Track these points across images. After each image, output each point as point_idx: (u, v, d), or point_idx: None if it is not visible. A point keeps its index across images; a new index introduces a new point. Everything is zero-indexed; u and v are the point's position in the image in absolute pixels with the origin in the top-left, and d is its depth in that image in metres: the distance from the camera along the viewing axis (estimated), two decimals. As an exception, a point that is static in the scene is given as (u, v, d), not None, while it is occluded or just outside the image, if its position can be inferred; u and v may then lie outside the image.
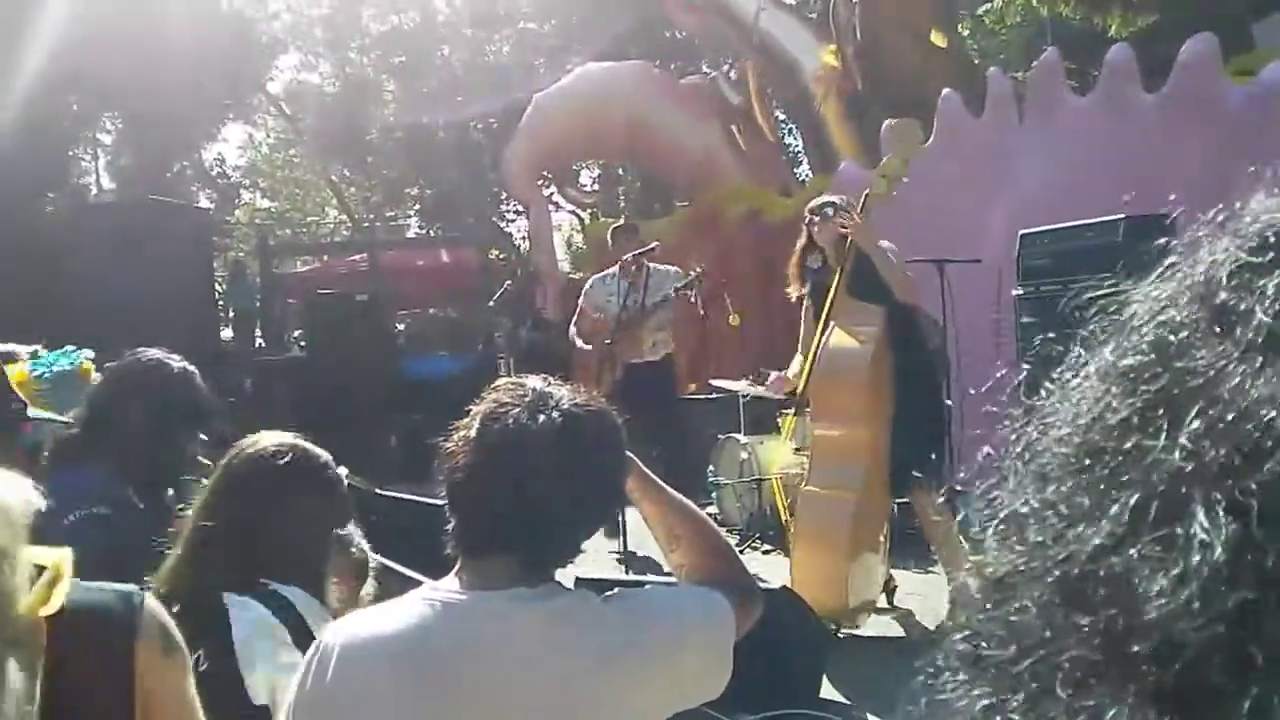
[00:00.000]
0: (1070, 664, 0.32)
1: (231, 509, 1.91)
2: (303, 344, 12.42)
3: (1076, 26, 13.23)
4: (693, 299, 6.29)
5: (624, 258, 6.32)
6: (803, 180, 13.38)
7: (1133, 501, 0.31)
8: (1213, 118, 6.48)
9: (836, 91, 10.81)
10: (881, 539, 4.77)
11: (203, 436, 2.60)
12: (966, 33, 15.55)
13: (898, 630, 4.59)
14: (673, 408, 6.53)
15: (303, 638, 1.71)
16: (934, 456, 4.66)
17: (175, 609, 1.89)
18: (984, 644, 0.36)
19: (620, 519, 5.37)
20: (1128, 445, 0.33)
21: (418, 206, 24.50)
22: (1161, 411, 0.32)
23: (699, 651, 1.55)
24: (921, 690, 0.39)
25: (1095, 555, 0.32)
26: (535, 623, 1.43)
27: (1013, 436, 0.40)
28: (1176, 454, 0.31)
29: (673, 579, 1.80)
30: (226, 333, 13.79)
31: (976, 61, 13.25)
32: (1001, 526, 0.38)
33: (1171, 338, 0.34)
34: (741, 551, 5.76)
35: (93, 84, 14.38)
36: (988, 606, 0.36)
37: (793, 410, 5.10)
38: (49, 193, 13.05)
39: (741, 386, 7.08)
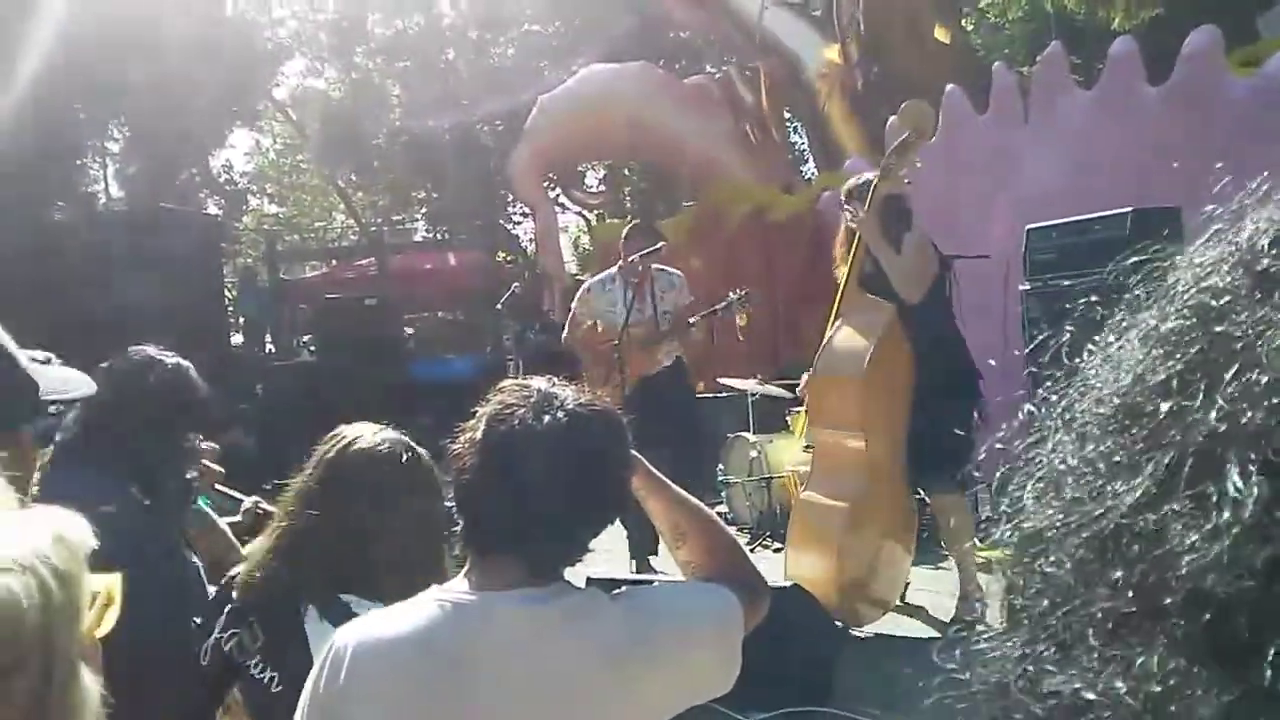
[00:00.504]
0: (1103, 615, 0.33)
1: (336, 509, 1.81)
2: (312, 349, 12.47)
3: (1081, 20, 13.20)
4: (738, 320, 5.88)
5: (626, 260, 5.89)
6: (808, 178, 13.37)
7: (1168, 460, 0.33)
8: (1217, 110, 6.47)
9: (840, 88, 10.81)
10: (907, 539, 4.71)
11: (201, 438, 2.60)
12: (970, 27, 15.52)
13: (909, 627, 4.59)
14: (692, 410, 6.09)
15: None
16: (957, 455, 4.35)
17: (251, 619, 1.86)
18: (1018, 597, 0.38)
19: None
20: (1166, 406, 0.34)
21: (424, 210, 24.55)
22: (1200, 374, 0.33)
23: (707, 647, 1.56)
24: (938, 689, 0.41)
25: (1130, 511, 0.33)
26: (544, 622, 1.44)
27: (1053, 397, 0.40)
28: (1213, 415, 0.32)
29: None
30: (236, 339, 13.84)
31: (980, 56, 13.22)
32: (1040, 484, 0.39)
33: (1213, 303, 0.35)
34: (752, 550, 5.76)
35: (100, 92, 14.45)
36: (1025, 560, 0.38)
37: (803, 408, 5.09)
38: (58, 201, 13.11)
39: (750, 385, 7.09)
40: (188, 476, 2.53)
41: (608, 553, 5.20)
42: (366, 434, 1.90)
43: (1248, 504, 0.29)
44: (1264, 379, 0.31)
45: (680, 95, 12.21)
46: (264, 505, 2.72)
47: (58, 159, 13.78)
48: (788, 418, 6.95)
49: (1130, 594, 0.32)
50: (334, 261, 17.55)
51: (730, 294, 5.87)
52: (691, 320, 5.83)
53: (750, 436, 6.71)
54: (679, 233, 10.48)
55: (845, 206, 4.74)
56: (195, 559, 2.45)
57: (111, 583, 0.79)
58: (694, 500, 1.74)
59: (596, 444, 1.48)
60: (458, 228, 21.03)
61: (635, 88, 11.89)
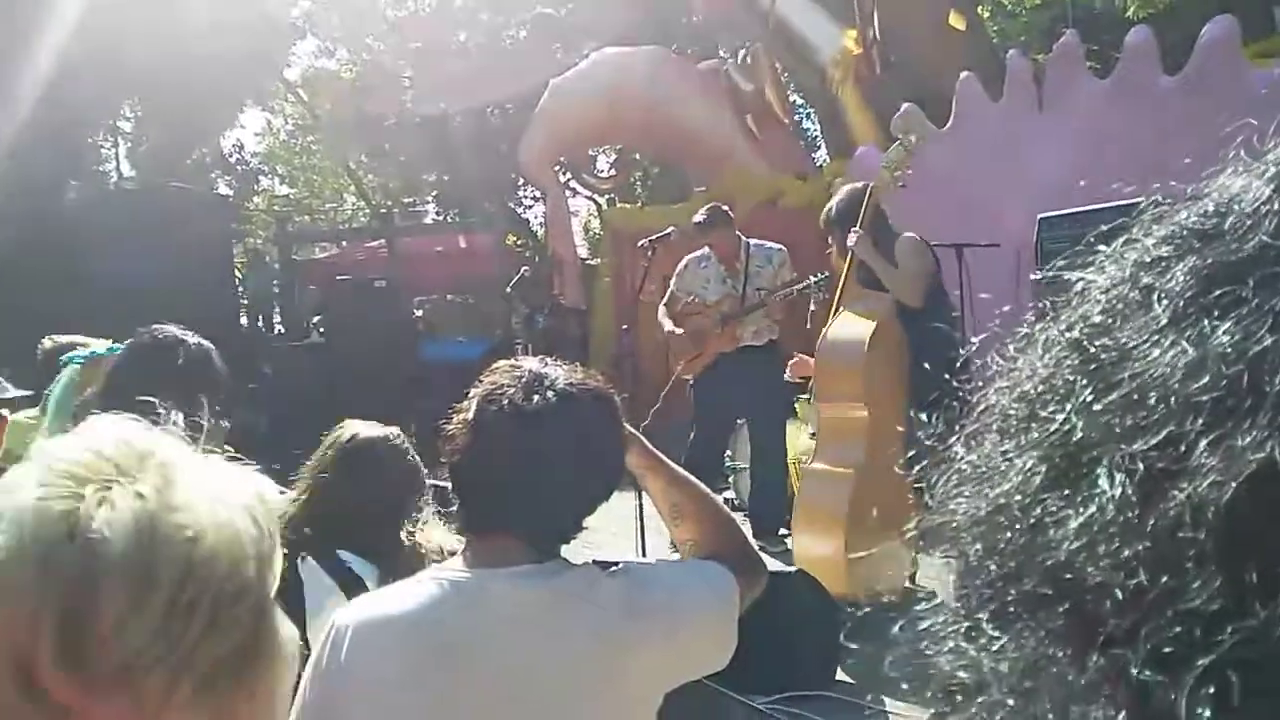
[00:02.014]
0: (992, 599, 0.37)
1: (340, 490, 2.06)
2: (322, 330, 12.49)
3: (1098, 8, 13.11)
4: (811, 305, 5.74)
5: (714, 245, 5.87)
6: (820, 165, 13.32)
7: (1048, 459, 0.36)
8: (1233, 101, 6.42)
9: (854, 75, 10.75)
10: (906, 521, 4.76)
11: (225, 421, 2.62)
12: (986, 15, 15.42)
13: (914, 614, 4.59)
14: (772, 394, 5.89)
15: None
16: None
17: None
18: (955, 581, 0.41)
19: (639, 504, 5.38)
20: (1051, 410, 0.37)
21: (435, 193, 24.54)
22: (1085, 382, 0.36)
23: (703, 623, 1.58)
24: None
25: (1014, 505, 0.36)
26: (539, 599, 1.46)
27: (975, 399, 0.44)
28: (1091, 421, 0.34)
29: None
30: (245, 319, 13.87)
31: (996, 44, 13.14)
32: (953, 477, 0.42)
33: (1100, 318, 0.37)
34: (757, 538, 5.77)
35: (113, 71, 14.45)
36: (950, 550, 0.41)
37: (808, 395, 5.12)
38: (70, 180, 13.14)
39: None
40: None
41: (613, 536, 5.20)
42: (363, 429, 2.24)
43: (1110, 504, 0.32)
44: (1134, 392, 0.33)
45: (693, 80, 12.15)
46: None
47: (69, 138, 13.81)
48: (795, 404, 6.95)
49: (1011, 581, 0.35)
50: (344, 243, 17.56)
51: (810, 276, 5.74)
52: (765, 298, 5.75)
53: (758, 423, 6.71)
54: (691, 219, 10.46)
55: (830, 229, 4.87)
56: None
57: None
58: (692, 479, 1.76)
59: (587, 422, 1.50)
60: (468, 210, 21.03)
61: (647, 72, 11.83)
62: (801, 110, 14.89)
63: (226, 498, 0.76)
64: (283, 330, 14.24)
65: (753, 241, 5.97)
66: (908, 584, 4.81)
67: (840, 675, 3.87)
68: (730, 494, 6.85)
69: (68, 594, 0.67)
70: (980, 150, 7.62)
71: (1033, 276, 5.91)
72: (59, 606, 0.67)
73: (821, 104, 12.35)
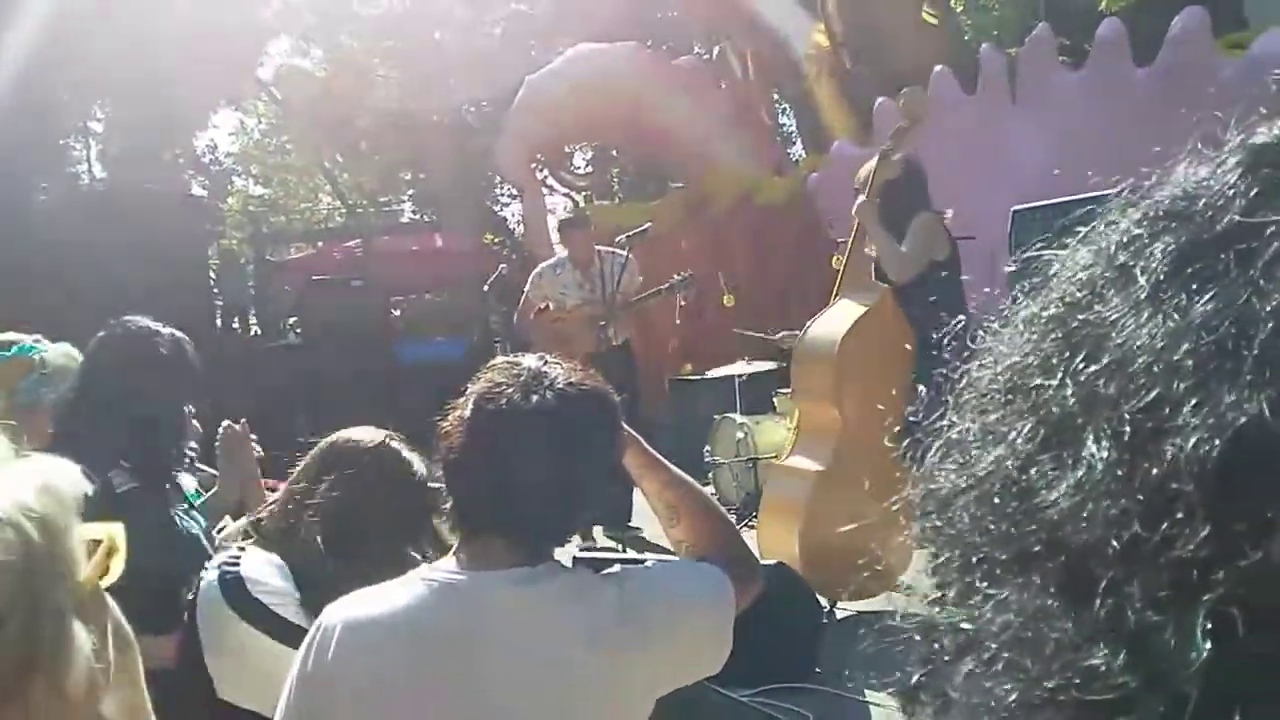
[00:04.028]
0: (984, 560, 0.39)
1: (329, 490, 1.93)
2: (298, 330, 12.40)
3: (1071, 1, 13.18)
4: (681, 301, 6.23)
5: (572, 245, 6.29)
6: (796, 160, 13.34)
7: (1038, 427, 0.38)
8: (1204, 92, 6.47)
9: (829, 70, 10.78)
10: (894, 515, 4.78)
11: (192, 409, 2.60)
12: (959, 8, 15.48)
13: (900, 605, 4.60)
14: (636, 394, 6.46)
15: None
16: None
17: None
18: (935, 549, 0.43)
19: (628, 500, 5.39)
20: (1038, 381, 0.39)
21: (411, 192, 24.40)
22: (1069, 354, 0.38)
23: (699, 627, 1.56)
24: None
25: (1007, 471, 0.39)
26: (532, 602, 1.44)
27: (957, 375, 0.46)
28: (1078, 389, 0.37)
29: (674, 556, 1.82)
30: (220, 320, 13.75)
31: (969, 38, 13.20)
32: (941, 450, 0.44)
33: (1079, 294, 0.40)
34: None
35: (83, 72, 14.29)
36: (931, 518, 0.43)
37: (790, 390, 5.14)
38: (41, 182, 12.99)
39: (738, 367, 7.10)
40: (186, 446, 2.54)
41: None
42: (360, 431, 2.03)
43: (1098, 465, 0.35)
44: (1116, 359, 0.36)
45: (670, 76, 12.13)
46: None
47: (40, 139, 13.64)
48: (774, 399, 6.97)
49: (1005, 542, 0.38)
50: (320, 243, 17.43)
51: (675, 276, 6.19)
52: (632, 300, 6.19)
53: (737, 417, 6.72)
54: (667, 214, 10.45)
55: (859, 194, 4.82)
56: (195, 529, 2.45)
57: (114, 531, 0.79)
58: (689, 479, 1.74)
59: (585, 423, 1.48)
60: (444, 209, 20.92)
61: (624, 68, 11.81)
62: (777, 106, 14.89)
63: None
64: (258, 331, 14.13)
65: (603, 248, 6.32)
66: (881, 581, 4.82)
67: (822, 668, 3.88)
68: (710, 489, 6.86)
69: None
70: (954, 145, 7.66)
71: (1006, 268, 5.95)
72: None
73: (797, 99, 12.37)
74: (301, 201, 27.23)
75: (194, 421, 2.67)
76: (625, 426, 1.60)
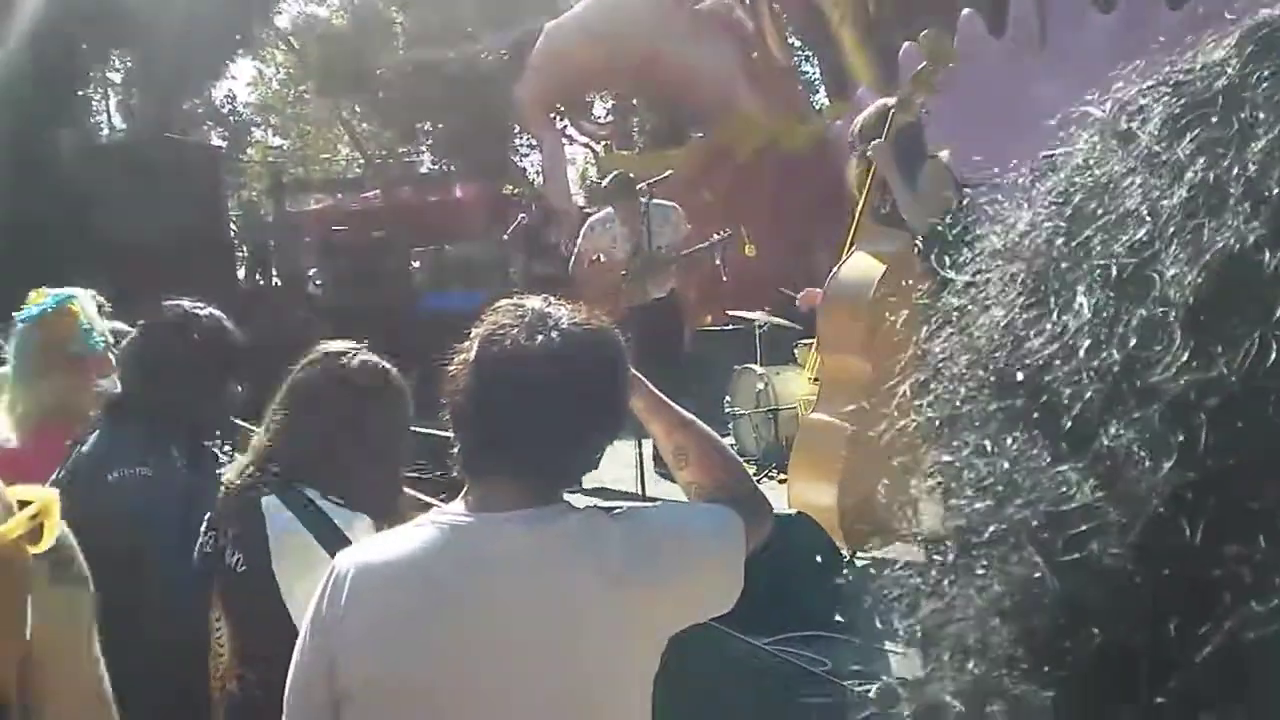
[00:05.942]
0: (978, 419, 0.40)
1: (312, 424, 1.94)
2: (318, 282, 12.43)
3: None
4: (717, 261, 6.36)
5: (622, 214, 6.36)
6: (819, 108, 13.16)
7: (1033, 281, 0.40)
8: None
9: (852, 15, 10.58)
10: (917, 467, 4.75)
11: (238, 387, 2.62)
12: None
13: (914, 556, 4.60)
14: (680, 346, 6.62)
15: (334, 542, 1.75)
16: None
17: (224, 518, 1.96)
18: (934, 432, 0.44)
19: (638, 449, 5.39)
20: (1036, 243, 0.41)
21: (430, 142, 24.29)
22: (1069, 213, 0.40)
23: (709, 567, 1.56)
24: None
25: (992, 329, 0.40)
26: (541, 543, 1.44)
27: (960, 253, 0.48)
28: (1070, 241, 0.39)
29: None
30: (240, 271, 13.80)
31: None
32: (934, 325, 0.45)
33: (1083, 158, 0.43)
34: (758, 481, 5.78)
35: (101, 22, 14.23)
36: (932, 386, 0.44)
37: (812, 341, 5.09)
38: (61, 132, 12.99)
39: (759, 316, 7.06)
40: (234, 423, 2.58)
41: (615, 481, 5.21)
42: (337, 351, 2.03)
43: (1086, 309, 0.36)
44: (1110, 213, 0.37)
45: (691, 21, 11.94)
46: None
47: (60, 90, 13.63)
48: (795, 350, 6.92)
49: (993, 396, 0.39)
50: (339, 194, 17.44)
51: (715, 235, 6.32)
52: (674, 256, 6.31)
53: (758, 368, 6.69)
54: (689, 163, 10.35)
55: (856, 145, 4.71)
56: None
57: (49, 497, 0.77)
58: (697, 421, 1.72)
59: (590, 363, 1.46)
60: (464, 160, 20.82)
61: (644, 14, 11.62)
62: (800, 53, 14.66)
63: None
64: (279, 282, 14.18)
65: (651, 201, 6.38)
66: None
67: (841, 617, 3.89)
68: (731, 440, 6.85)
69: None
70: (982, 87, 7.52)
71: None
72: None
73: (820, 45, 12.16)
74: (321, 153, 27.18)
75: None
76: (632, 370, 1.58)
